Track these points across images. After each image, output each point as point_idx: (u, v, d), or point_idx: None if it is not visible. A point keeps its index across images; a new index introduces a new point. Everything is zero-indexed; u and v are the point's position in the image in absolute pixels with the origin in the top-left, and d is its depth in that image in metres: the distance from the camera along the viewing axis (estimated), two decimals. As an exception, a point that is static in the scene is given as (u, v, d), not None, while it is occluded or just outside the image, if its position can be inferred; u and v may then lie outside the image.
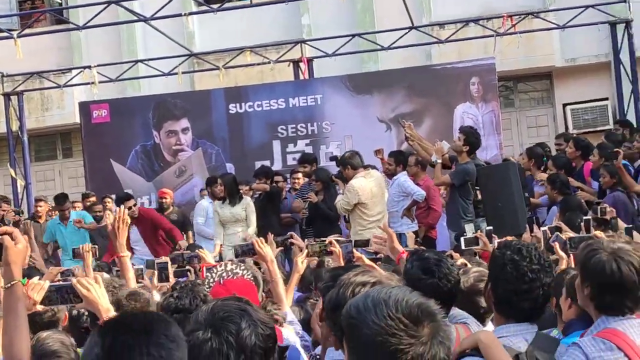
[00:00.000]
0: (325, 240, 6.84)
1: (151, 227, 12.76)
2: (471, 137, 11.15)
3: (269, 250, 5.96)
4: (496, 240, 7.33)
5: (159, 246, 12.63)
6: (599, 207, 8.44)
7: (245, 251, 6.44)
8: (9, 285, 3.25)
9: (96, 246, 8.59)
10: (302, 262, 6.43)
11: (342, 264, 6.42)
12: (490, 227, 7.89)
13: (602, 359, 3.51)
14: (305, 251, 6.71)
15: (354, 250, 6.88)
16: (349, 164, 11.10)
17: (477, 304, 4.52)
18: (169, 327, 2.41)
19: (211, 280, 4.58)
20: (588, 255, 3.75)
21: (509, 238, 7.29)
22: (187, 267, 8.03)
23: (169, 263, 7.32)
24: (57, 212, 13.98)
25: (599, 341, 3.56)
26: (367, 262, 6.53)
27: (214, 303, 2.81)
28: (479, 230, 7.96)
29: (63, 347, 3.83)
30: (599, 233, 6.37)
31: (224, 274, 4.59)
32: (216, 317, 2.71)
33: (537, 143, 14.34)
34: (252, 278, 4.78)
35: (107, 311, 3.80)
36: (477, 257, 7.17)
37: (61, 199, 13.71)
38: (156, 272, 6.96)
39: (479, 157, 11.78)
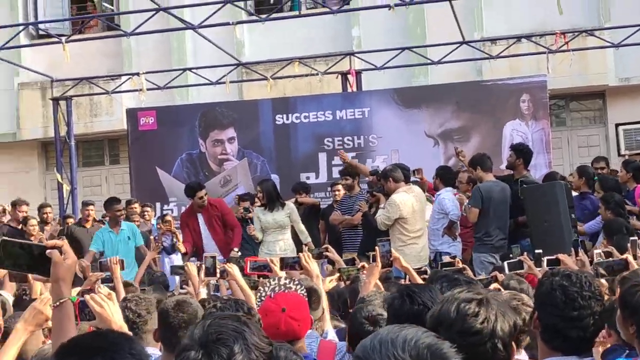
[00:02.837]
0: (356, 265, 6.75)
1: (218, 219, 12.53)
2: (521, 153, 11.19)
3: (314, 265, 5.87)
4: (544, 262, 7.13)
5: (226, 237, 12.44)
6: None
7: (292, 264, 6.37)
8: (58, 303, 3.15)
9: (123, 259, 8.45)
10: (329, 282, 6.31)
11: (380, 264, 6.24)
12: (540, 251, 7.67)
13: None
14: (337, 274, 6.60)
15: (392, 250, 6.73)
16: (391, 176, 10.90)
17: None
18: (133, 344, 2.27)
19: (264, 293, 4.51)
20: (628, 291, 3.56)
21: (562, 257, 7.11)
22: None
23: (217, 256, 7.24)
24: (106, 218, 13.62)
25: None
26: (404, 263, 6.40)
27: (210, 320, 2.66)
28: (525, 253, 7.75)
29: None
30: (629, 257, 6.12)
31: (277, 288, 4.52)
32: (209, 338, 2.56)
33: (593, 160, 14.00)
34: (306, 293, 4.68)
35: (120, 329, 3.66)
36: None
37: (114, 201, 13.06)
38: (204, 266, 6.88)
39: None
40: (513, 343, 2.90)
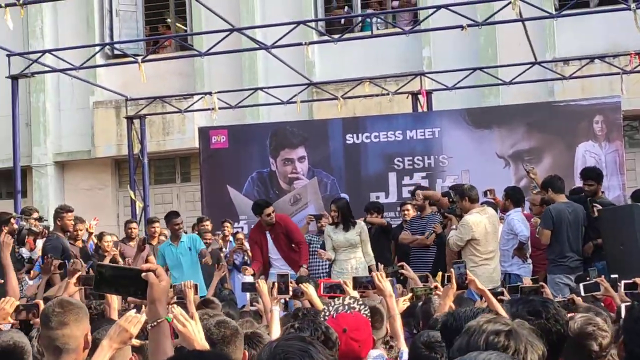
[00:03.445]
0: (429, 283, 6.71)
1: (284, 235, 12.64)
2: (600, 178, 11.27)
3: (388, 284, 5.85)
4: (622, 287, 7.01)
5: (292, 253, 12.51)
6: None
7: (365, 284, 6.38)
8: (155, 323, 3.22)
9: (197, 283, 8.50)
10: (402, 302, 6.28)
11: (455, 285, 6.23)
12: (616, 275, 7.54)
13: None
14: (409, 294, 6.58)
15: (468, 272, 6.69)
16: (468, 195, 10.79)
17: (588, 347, 4.26)
18: None
19: (327, 313, 4.52)
20: None
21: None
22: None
23: (289, 275, 7.25)
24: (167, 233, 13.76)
25: None
26: (480, 285, 6.35)
27: (277, 342, 2.71)
28: (602, 276, 7.62)
29: None
30: None
31: (340, 308, 4.53)
32: (277, 358, 2.61)
33: None
34: (369, 314, 4.68)
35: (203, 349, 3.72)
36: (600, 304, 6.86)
37: (172, 216, 13.28)
38: (276, 284, 6.89)
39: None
40: None
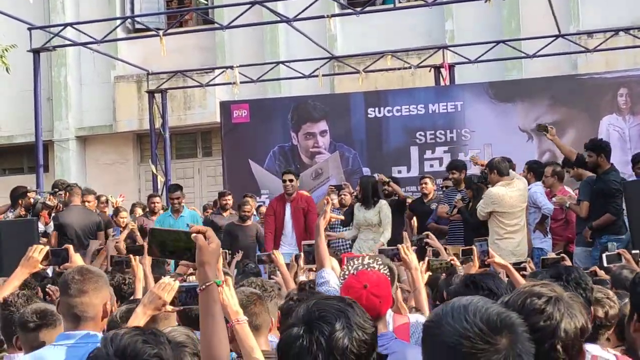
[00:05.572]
0: (447, 258, 6.66)
1: (303, 213, 12.55)
2: (599, 149, 10.70)
3: (414, 257, 5.83)
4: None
5: (304, 233, 12.41)
6: None
7: (391, 256, 6.35)
8: (204, 286, 3.14)
9: (226, 250, 8.48)
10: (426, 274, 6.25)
11: (477, 265, 6.19)
12: (637, 251, 7.44)
13: None
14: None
15: (490, 251, 6.64)
16: (497, 168, 10.71)
17: (593, 313, 4.25)
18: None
19: (347, 272, 4.57)
20: None
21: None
22: None
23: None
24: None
25: None
26: (502, 261, 6.29)
27: (315, 300, 2.69)
28: (620, 247, 7.56)
29: (189, 339, 3.76)
30: None
31: (360, 267, 4.57)
32: (312, 316, 2.61)
33: None
34: (388, 272, 4.72)
35: (236, 314, 3.68)
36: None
37: (172, 188, 13.47)
38: (303, 255, 6.89)
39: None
40: (584, 347, 2.83)
